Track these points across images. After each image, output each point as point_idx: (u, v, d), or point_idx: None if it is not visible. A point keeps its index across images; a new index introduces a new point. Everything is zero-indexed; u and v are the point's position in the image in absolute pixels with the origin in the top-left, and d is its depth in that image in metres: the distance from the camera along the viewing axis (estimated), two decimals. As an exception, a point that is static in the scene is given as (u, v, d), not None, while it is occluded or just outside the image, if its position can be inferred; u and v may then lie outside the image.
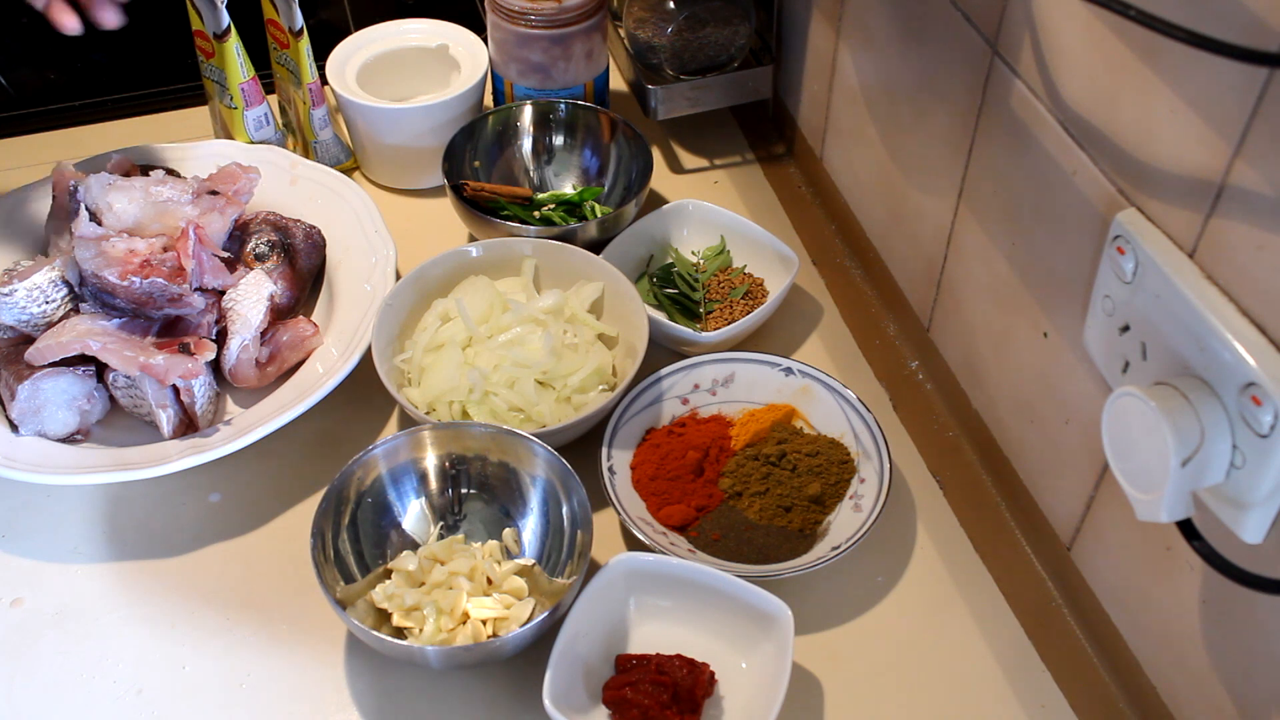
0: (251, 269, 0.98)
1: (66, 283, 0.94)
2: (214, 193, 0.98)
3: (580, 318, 0.97)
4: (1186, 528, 0.60)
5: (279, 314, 0.98)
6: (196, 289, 0.93)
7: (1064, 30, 0.67)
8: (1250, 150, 0.54)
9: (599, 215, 1.06)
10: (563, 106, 1.13)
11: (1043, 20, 0.70)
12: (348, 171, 1.17)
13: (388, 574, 0.84)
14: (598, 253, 1.00)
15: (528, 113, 1.13)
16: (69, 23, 0.85)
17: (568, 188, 1.14)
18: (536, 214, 1.08)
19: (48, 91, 1.29)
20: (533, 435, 0.84)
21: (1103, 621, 0.75)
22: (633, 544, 0.89)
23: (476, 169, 1.11)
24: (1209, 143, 0.56)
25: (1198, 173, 0.57)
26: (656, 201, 1.15)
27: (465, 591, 0.80)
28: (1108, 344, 0.65)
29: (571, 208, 1.09)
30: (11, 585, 0.87)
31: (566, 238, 1.01)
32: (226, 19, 1.09)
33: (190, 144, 1.11)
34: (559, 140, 1.14)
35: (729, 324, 1.00)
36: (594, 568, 0.81)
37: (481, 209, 1.05)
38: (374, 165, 1.17)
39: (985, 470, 0.88)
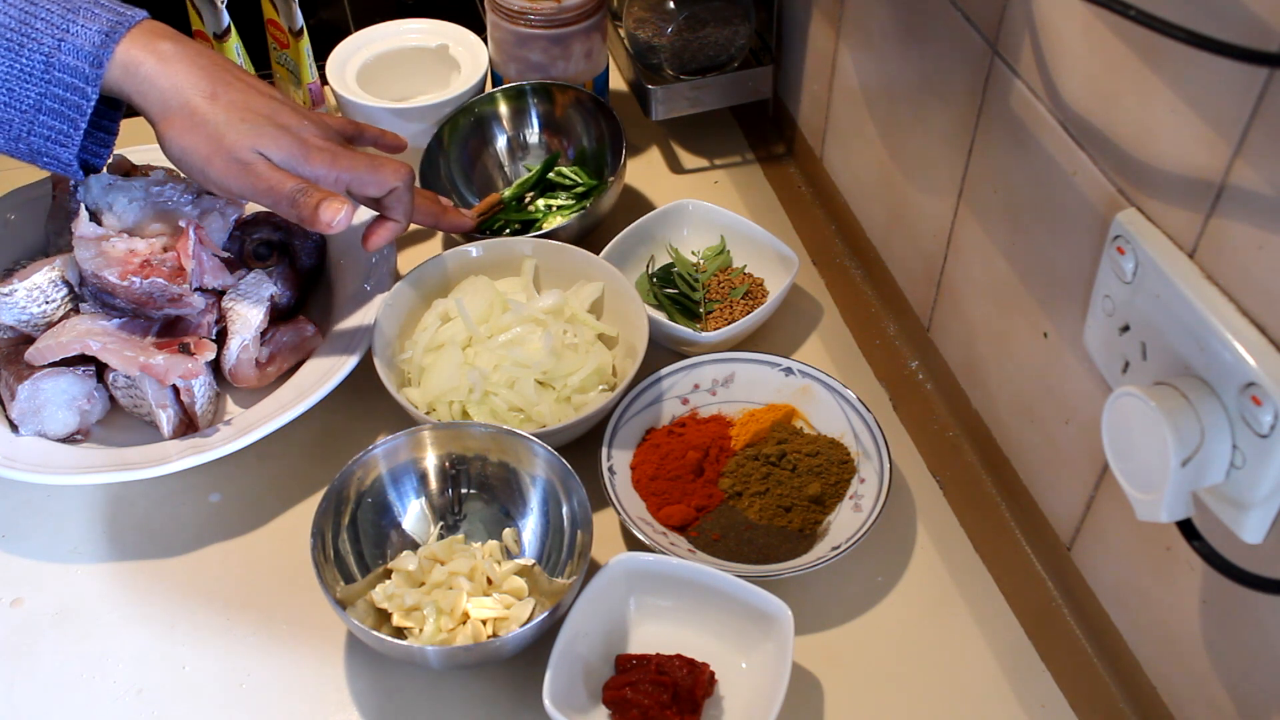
0: (251, 269, 0.98)
1: (66, 283, 0.94)
2: (214, 193, 0.98)
3: (580, 318, 0.97)
4: (1186, 528, 0.60)
5: (279, 314, 0.98)
6: (196, 289, 0.93)
7: (1064, 30, 0.67)
8: (1250, 150, 0.54)
9: (579, 181, 1.08)
10: (500, 99, 1.12)
11: (1043, 20, 0.70)
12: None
13: (388, 574, 0.84)
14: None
15: (476, 116, 1.12)
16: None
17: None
18: (530, 207, 1.08)
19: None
20: (533, 435, 0.84)
21: (1103, 621, 0.75)
22: (633, 544, 0.89)
23: (456, 184, 1.11)
24: (1209, 143, 0.56)
25: (1198, 173, 0.57)
26: (657, 201, 1.15)
27: (465, 591, 0.80)
28: (1108, 344, 0.65)
29: (546, 185, 1.10)
30: (11, 585, 0.87)
31: (585, 220, 1.02)
32: (226, 19, 1.09)
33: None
34: (521, 132, 1.14)
35: (729, 324, 1.00)
36: (594, 568, 0.81)
37: (485, 234, 1.05)
38: (374, 165, 1.17)
39: (985, 470, 0.88)
